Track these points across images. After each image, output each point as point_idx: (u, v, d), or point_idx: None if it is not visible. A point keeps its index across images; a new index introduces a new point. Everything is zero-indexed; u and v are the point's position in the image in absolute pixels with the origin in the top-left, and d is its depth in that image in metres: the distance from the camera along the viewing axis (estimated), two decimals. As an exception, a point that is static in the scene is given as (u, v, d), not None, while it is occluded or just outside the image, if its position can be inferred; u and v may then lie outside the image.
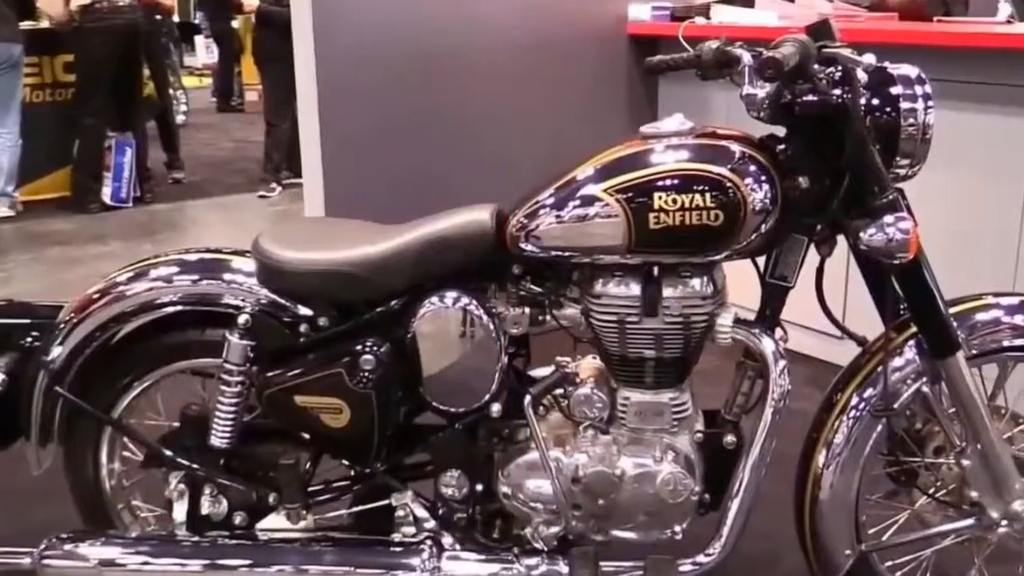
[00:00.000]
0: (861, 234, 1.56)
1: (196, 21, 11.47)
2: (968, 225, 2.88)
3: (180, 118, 8.30)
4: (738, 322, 1.68)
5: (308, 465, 1.87)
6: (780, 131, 1.66)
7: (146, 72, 6.30)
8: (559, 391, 1.78)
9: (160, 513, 1.97)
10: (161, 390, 1.94)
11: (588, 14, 3.56)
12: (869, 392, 1.72)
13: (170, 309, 1.82)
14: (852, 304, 2.45)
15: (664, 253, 1.62)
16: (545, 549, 1.77)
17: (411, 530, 1.81)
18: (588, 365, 1.80)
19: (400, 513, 1.82)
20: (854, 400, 1.73)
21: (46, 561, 1.76)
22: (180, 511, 1.84)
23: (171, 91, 7.28)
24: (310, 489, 1.87)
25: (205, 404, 1.91)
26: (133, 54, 5.92)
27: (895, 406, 1.70)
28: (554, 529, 1.77)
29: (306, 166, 3.12)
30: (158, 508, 1.97)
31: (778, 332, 1.72)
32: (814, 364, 3.03)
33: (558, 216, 1.63)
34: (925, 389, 1.71)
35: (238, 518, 1.85)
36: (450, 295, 1.73)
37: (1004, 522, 1.72)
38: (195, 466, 1.84)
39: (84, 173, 5.88)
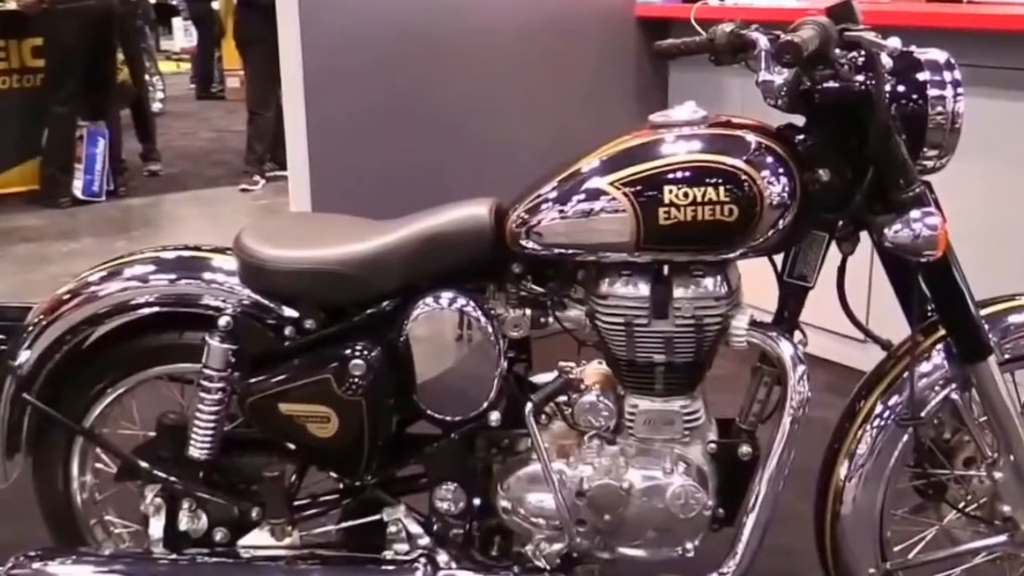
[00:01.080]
0: (886, 230, 1.56)
1: (174, 2, 11.47)
2: (1000, 220, 2.88)
3: (156, 106, 8.31)
4: (754, 324, 1.68)
5: (293, 478, 1.86)
6: (799, 120, 1.66)
7: (120, 57, 6.30)
8: (562, 398, 1.78)
9: (135, 529, 1.96)
10: (136, 397, 1.94)
11: (594, -6, 3.56)
12: (894, 399, 1.72)
13: (146, 311, 1.82)
14: (876, 305, 2.46)
15: (675, 250, 1.62)
16: (547, 568, 1.77)
17: (404, 547, 1.81)
18: (593, 371, 1.80)
19: (392, 529, 1.82)
20: (878, 408, 1.73)
21: (13, 580, 1.76)
22: (156, 527, 1.84)
23: (147, 77, 7.28)
24: (296, 503, 1.86)
25: (183, 412, 1.91)
26: (106, 37, 5.93)
27: (922, 414, 1.70)
28: (557, 546, 1.77)
29: (291, 157, 3.12)
30: (133, 524, 1.97)
31: (797, 335, 1.72)
32: (835, 369, 3.03)
33: (561, 211, 1.63)
34: (954, 396, 1.71)
35: (219, 534, 1.85)
36: (446, 296, 1.73)
37: (1039, 539, 1.73)
38: (172, 479, 1.84)
39: (54, 165, 5.88)
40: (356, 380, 1.71)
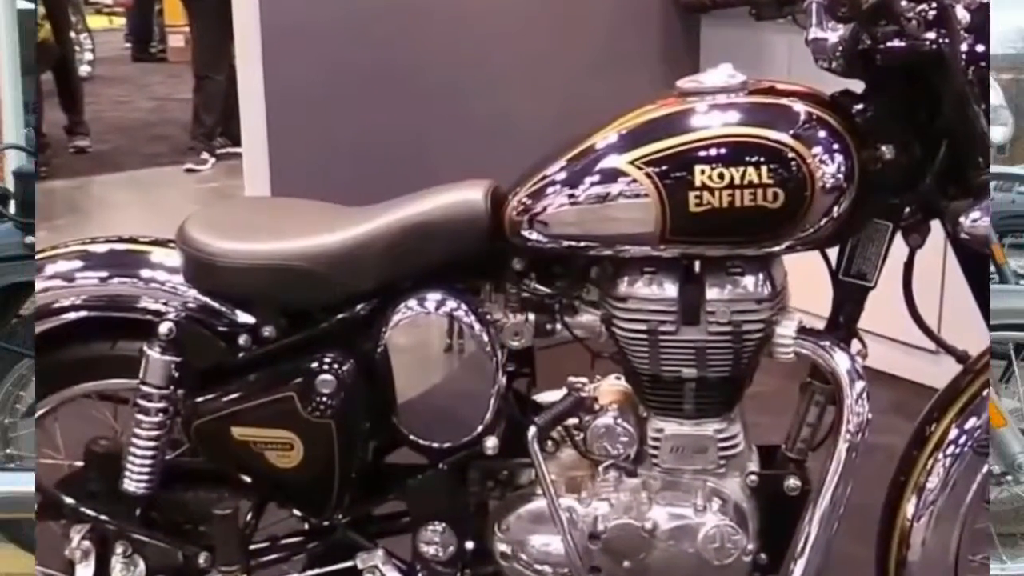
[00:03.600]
0: (961, 218, 1.56)
1: (105, -55, 11.50)
2: (1099, 207, 2.89)
3: (84, 69, 8.32)
4: (803, 332, 1.69)
5: (249, 516, 1.87)
6: (857, 86, 1.66)
7: (41, 11, 6.30)
8: (572, 421, 1.78)
9: (59, 578, 1.97)
10: (60, 420, 1.94)
11: (610, -65, 3.57)
12: (971, 423, 1.72)
13: (71, 316, 1.82)
14: (949, 309, 2.46)
15: (707, 243, 1.63)
16: (554, 624, 1.78)
17: (382, 600, 1.82)
18: (610, 388, 1.80)
19: (368, 578, 1.82)
20: (952, 433, 1.73)
21: (-87, 639, 1.77)
22: (85, 575, 1.84)
23: (72, 34, 7.29)
24: (251, 547, 1.87)
25: (117, 438, 1.91)
26: (24, -13, 5.93)
27: (1005, 440, 1.71)
28: (566, 599, 1.78)
29: (246, 131, 3.12)
30: (56, 572, 1.97)
31: (855, 345, 1.72)
32: (901, 386, 3.04)
33: (571, 196, 1.63)
34: (1043, 418, 1.72)
35: (159, 585, 1.85)
36: (432, 298, 1.73)
37: None
38: (103, 517, 1.84)
39: (-39, 140, 5.90)
40: (324, 399, 1.71)
